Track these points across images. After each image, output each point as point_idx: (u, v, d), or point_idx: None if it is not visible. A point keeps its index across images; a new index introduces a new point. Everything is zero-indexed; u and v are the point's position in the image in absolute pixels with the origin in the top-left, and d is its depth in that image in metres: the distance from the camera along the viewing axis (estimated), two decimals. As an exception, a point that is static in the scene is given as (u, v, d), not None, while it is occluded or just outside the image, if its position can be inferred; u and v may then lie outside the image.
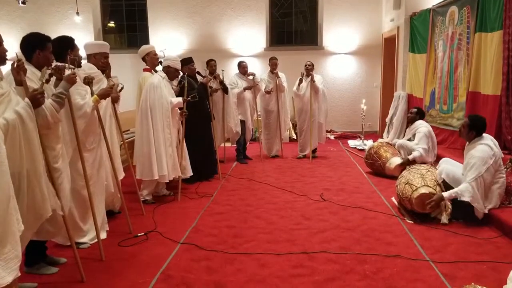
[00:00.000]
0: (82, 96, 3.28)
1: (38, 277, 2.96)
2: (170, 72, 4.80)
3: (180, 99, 4.79)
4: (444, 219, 3.82)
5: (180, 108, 4.88)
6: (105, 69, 3.88)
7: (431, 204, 3.84)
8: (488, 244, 3.40)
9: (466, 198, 3.73)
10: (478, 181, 3.73)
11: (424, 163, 4.98)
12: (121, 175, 4.20)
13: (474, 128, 3.92)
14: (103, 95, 3.47)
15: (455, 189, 3.81)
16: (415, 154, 5.39)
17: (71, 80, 2.90)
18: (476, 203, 3.74)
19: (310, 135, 6.76)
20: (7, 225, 2.16)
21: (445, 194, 3.84)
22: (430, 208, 3.86)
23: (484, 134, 3.94)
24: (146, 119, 4.55)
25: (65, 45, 3.34)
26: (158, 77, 4.70)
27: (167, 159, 4.60)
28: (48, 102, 2.70)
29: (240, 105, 6.72)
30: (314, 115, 6.71)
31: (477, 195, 3.73)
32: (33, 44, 2.85)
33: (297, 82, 6.74)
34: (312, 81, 6.55)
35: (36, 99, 2.48)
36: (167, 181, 4.71)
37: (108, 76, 3.93)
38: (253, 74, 6.77)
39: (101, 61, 3.84)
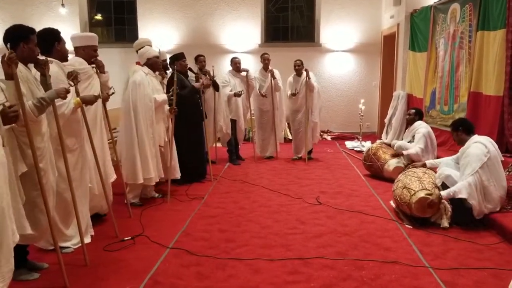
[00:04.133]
0: None
1: (18, 283, 2.92)
2: (153, 64, 4.74)
3: (164, 96, 4.76)
4: (445, 223, 3.85)
5: (169, 105, 4.86)
6: (94, 63, 3.82)
7: (431, 206, 3.89)
8: (490, 250, 3.43)
9: (463, 195, 3.81)
10: (474, 177, 3.81)
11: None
12: (112, 177, 4.15)
13: (460, 126, 4.11)
14: (87, 102, 3.41)
15: (452, 188, 3.89)
16: (411, 151, 5.57)
17: (61, 95, 2.92)
18: (473, 200, 3.80)
19: (305, 136, 6.77)
20: (2, 238, 2.15)
21: (443, 193, 3.92)
22: (431, 211, 3.89)
23: (476, 135, 4.05)
24: (129, 120, 4.47)
25: (51, 38, 3.31)
26: (141, 74, 4.61)
27: (152, 160, 4.56)
28: (28, 104, 2.68)
29: (232, 103, 6.69)
30: (309, 114, 6.70)
31: (474, 191, 3.79)
32: (17, 37, 2.82)
33: (289, 92, 6.76)
34: (308, 78, 6.54)
35: (7, 117, 2.40)
36: (153, 184, 4.69)
37: (102, 72, 3.89)
38: (247, 71, 6.76)
39: (90, 55, 3.77)
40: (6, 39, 2.82)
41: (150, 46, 5.10)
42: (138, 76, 4.56)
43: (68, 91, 2.99)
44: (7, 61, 2.50)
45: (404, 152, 5.65)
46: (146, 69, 4.71)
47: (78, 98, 3.31)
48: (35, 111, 2.72)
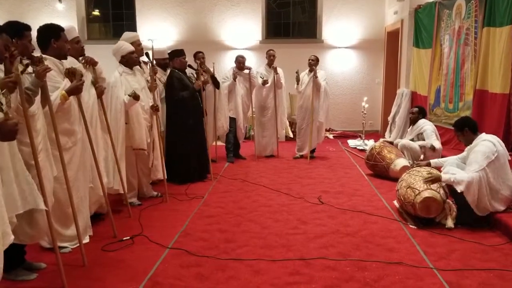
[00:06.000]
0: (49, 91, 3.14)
1: (16, 283, 2.93)
2: (128, 61, 4.53)
3: (127, 97, 4.34)
4: (450, 223, 3.85)
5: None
6: (84, 61, 3.80)
7: (428, 182, 3.92)
8: (495, 251, 3.43)
9: (461, 187, 3.80)
10: (479, 174, 3.79)
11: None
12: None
13: (465, 126, 4.06)
14: (72, 91, 3.26)
15: (455, 176, 3.88)
16: (436, 144, 5.50)
17: (40, 75, 2.83)
18: (470, 196, 3.80)
19: (310, 134, 6.77)
20: None
21: (444, 176, 3.93)
22: (436, 211, 3.88)
23: (485, 134, 4.04)
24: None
25: (47, 34, 3.28)
26: (116, 75, 4.45)
27: (110, 167, 4.25)
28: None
29: (232, 100, 6.70)
30: (315, 113, 6.71)
31: (474, 188, 3.78)
32: (10, 33, 2.82)
33: (296, 81, 6.77)
34: (315, 76, 6.55)
35: (7, 87, 2.38)
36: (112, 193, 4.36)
37: (94, 65, 3.86)
38: (249, 68, 6.78)
39: (76, 49, 3.74)
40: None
41: (138, 40, 4.90)
42: (112, 77, 4.43)
43: (43, 69, 2.87)
44: (9, 58, 2.51)
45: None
46: (121, 67, 4.52)
47: (63, 91, 3.21)
48: (24, 103, 2.71)
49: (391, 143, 6.20)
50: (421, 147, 5.65)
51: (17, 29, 2.87)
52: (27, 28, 2.93)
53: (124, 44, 4.60)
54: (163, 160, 4.91)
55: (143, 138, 4.57)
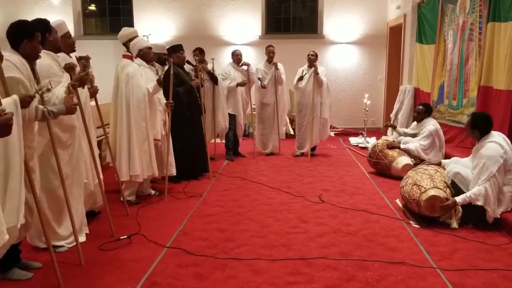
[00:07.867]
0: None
1: (11, 282, 2.94)
2: (144, 55, 4.74)
3: (155, 83, 4.60)
4: (454, 224, 3.85)
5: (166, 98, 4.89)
6: (82, 58, 3.80)
7: (443, 209, 3.86)
8: (500, 250, 3.43)
9: (480, 202, 3.77)
10: (491, 181, 3.76)
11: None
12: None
13: (476, 126, 3.99)
14: (78, 84, 3.30)
15: (469, 193, 3.83)
16: (410, 145, 5.61)
17: (71, 110, 3.01)
18: (489, 206, 3.78)
19: (310, 132, 6.76)
20: None
21: (458, 199, 3.85)
22: (441, 211, 3.88)
23: (493, 132, 3.99)
24: (121, 114, 4.50)
25: (42, 29, 3.29)
26: (134, 66, 4.61)
27: (141, 156, 4.52)
28: (35, 106, 2.73)
29: (231, 97, 6.71)
30: (315, 110, 6.71)
31: (491, 197, 3.76)
32: (21, 34, 2.84)
33: (296, 77, 6.76)
34: (316, 73, 6.55)
35: (26, 102, 2.53)
36: (141, 180, 4.61)
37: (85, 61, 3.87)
38: (248, 65, 6.78)
39: (67, 44, 3.75)
40: (9, 34, 2.85)
41: (137, 36, 5.04)
42: (131, 68, 4.57)
43: (76, 105, 3.09)
44: None
45: (402, 146, 5.67)
46: (138, 60, 4.72)
47: (67, 84, 3.21)
48: (39, 117, 2.80)
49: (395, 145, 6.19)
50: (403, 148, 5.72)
51: (28, 30, 2.87)
52: (38, 28, 2.95)
53: (141, 39, 4.86)
54: (168, 157, 4.95)
55: (158, 128, 4.77)
